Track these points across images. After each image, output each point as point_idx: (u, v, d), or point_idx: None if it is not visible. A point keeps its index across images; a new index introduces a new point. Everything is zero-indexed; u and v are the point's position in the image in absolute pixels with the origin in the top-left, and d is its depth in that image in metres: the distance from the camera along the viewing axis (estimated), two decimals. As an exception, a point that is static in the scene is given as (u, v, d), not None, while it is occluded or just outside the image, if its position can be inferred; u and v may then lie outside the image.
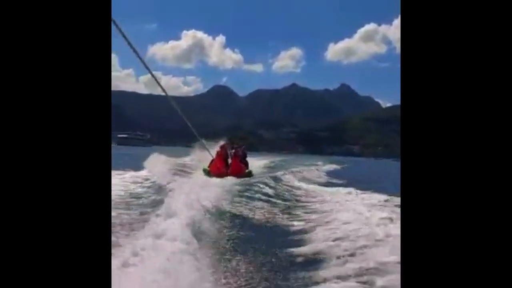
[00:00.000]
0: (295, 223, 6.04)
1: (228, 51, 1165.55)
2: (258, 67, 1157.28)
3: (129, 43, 5.79)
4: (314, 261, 4.01)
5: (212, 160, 13.52)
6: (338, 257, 3.97)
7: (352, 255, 4.03)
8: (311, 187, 11.80)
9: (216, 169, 12.75)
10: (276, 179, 11.80)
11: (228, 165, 13.00)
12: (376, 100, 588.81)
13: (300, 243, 4.73)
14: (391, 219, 5.42)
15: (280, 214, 6.74)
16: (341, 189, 10.93)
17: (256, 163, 19.25)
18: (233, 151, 13.91)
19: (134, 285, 2.66)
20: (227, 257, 3.86)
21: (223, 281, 3.23)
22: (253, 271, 3.53)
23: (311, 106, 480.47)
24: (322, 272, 3.63)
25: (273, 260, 4.00)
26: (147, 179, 10.44)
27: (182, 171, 14.54)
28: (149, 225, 4.37)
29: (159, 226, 4.15)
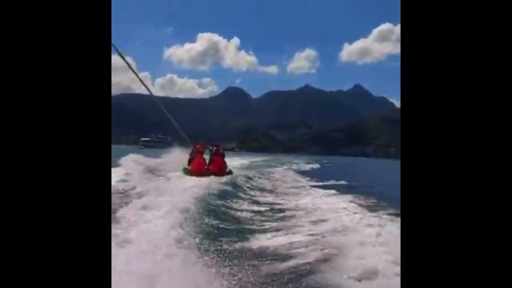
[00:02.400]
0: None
1: (242, 53, 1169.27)
2: (272, 69, 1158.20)
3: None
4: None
5: (191, 159, 12.79)
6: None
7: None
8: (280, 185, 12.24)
9: (197, 167, 12.03)
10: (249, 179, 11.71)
11: (206, 164, 12.45)
12: (391, 100, 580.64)
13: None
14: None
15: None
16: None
17: (233, 163, 18.11)
18: (214, 148, 13.36)
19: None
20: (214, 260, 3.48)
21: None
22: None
23: (325, 107, 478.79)
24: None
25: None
26: (123, 180, 9.71)
27: (160, 170, 13.70)
28: (121, 229, 3.99)
29: (130, 231, 3.89)
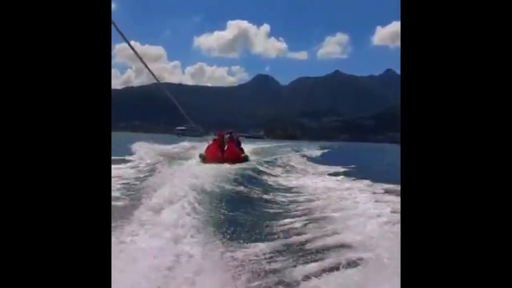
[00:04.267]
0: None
1: (272, 40, 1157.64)
2: (302, 55, 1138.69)
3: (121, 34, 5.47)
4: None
5: (208, 146, 13.51)
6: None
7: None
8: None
9: (212, 154, 12.60)
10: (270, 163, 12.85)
11: (224, 151, 12.91)
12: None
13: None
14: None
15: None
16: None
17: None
18: (228, 136, 13.92)
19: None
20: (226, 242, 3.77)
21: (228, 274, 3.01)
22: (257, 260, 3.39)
23: (355, 93, 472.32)
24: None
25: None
26: (138, 166, 11.00)
27: (178, 158, 14.91)
28: (139, 216, 4.29)
29: (150, 218, 4.18)
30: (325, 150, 32.58)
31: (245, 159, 13.09)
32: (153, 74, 8.28)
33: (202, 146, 14.02)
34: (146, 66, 7.33)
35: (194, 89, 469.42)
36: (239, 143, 14.64)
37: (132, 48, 6.32)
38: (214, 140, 13.70)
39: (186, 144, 21.26)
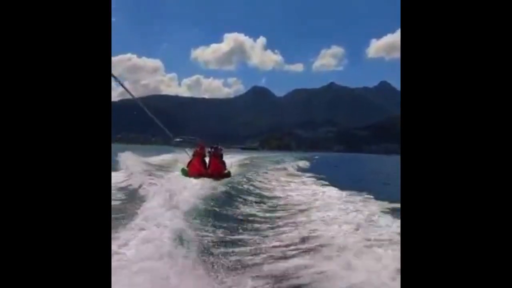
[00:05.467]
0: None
1: (268, 52, 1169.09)
2: (298, 67, 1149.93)
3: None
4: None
5: (190, 161, 13.05)
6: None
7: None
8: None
9: (195, 169, 12.25)
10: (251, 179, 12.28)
11: (206, 165, 12.66)
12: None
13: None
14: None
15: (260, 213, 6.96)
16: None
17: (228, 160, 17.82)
18: (212, 150, 13.51)
19: None
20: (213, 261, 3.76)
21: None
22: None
23: (350, 104, 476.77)
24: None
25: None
26: (123, 181, 10.38)
27: (160, 170, 14.58)
28: (125, 233, 4.21)
29: (135, 234, 4.12)
30: (311, 162, 32.64)
31: (228, 175, 12.69)
32: (125, 87, 9.87)
33: (186, 159, 13.73)
34: (116, 78, 8.24)
35: (191, 100, 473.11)
36: (221, 156, 14.10)
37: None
38: (196, 152, 13.24)
39: (170, 156, 20.96)
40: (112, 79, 7.45)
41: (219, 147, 14.08)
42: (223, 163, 13.61)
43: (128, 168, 13.53)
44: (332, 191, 9.49)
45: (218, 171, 12.41)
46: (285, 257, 4.07)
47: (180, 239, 3.99)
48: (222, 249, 4.24)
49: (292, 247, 4.43)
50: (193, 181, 10.36)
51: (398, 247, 3.67)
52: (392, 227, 5.07)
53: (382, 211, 6.37)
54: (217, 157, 13.24)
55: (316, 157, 53.02)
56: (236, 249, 4.30)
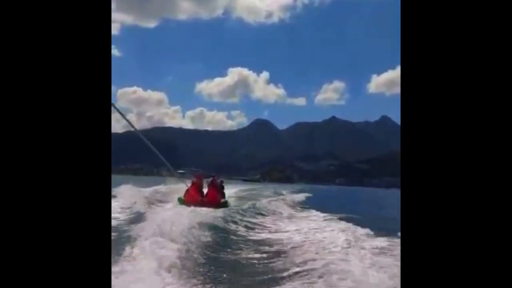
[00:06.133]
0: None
1: (271, 86, 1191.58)
2: (300, 101, 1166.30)
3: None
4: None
5: (187, 190, 13.23)
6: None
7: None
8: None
9: (191, 198, 12.44)
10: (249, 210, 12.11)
11: (203, 195, 12.84)
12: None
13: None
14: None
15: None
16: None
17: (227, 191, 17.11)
18: (210, 179, 13.81)
19: None
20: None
21: None
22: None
23: (352, 138, 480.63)
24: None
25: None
26: (122, 209, 10.82)
27: (158, 200, 14.99)
28: (121, 263, 4.20)
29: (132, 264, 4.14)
30: (310, 195, 31.70)
31: (224, 204, 12.61)
32: (126, 119, 11.36)
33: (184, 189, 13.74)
34: (116, 109, 8.71)
35: (194, 132, 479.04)
36: (222, 187, 14.37)
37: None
38: (193, 182, 13.41)
39: (168, 186, 21.16)
40: (115, 111, 8.37)
41: (215, 177, 14.29)
42: (222, 193, 13.85)
43: (124, 198, 13.71)
44: (331, 223, 9.58)
45: (214, 200, 12.57)
46: None
47: (167, 269, 4.09)
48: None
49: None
50: (188, 209, 10.26)
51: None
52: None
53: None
54: (215, 187, 13.44)
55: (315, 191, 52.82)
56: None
